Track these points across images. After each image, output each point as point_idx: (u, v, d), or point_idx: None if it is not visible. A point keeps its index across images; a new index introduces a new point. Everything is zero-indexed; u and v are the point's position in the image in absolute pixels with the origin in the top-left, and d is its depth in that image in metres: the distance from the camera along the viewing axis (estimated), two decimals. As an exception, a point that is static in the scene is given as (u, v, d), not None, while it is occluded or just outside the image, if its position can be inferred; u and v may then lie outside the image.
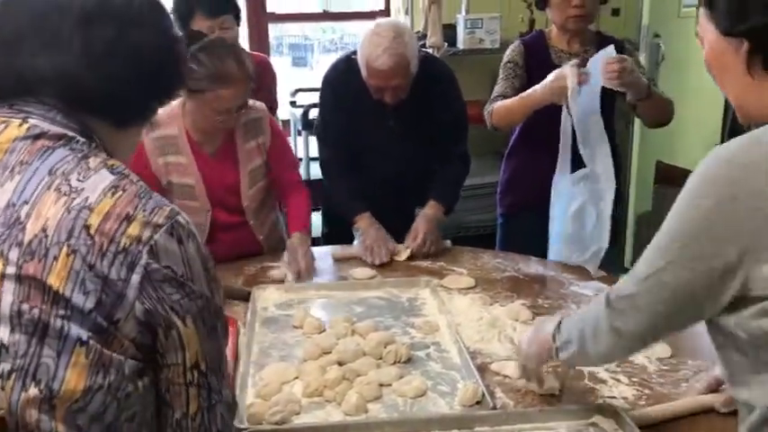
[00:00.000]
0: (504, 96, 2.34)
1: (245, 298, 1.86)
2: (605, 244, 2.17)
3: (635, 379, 1.48)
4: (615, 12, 4.08)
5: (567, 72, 2.08)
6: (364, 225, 2.26)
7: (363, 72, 2.16)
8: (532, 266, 2.13)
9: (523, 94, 2.25)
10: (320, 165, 2.45)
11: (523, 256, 2.21)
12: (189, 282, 0.83)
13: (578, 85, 2.06)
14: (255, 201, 2.17)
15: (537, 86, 2.19)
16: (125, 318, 0.79)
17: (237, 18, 2.55)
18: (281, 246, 2.25)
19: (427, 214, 2.27)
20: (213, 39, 2.00)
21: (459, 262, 2.17)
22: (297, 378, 1.49)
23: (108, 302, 0.79)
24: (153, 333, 0.82)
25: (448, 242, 2.32)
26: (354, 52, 2.22)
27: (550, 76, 2.13)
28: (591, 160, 2.15)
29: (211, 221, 2.11)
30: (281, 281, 2.01)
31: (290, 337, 1.70)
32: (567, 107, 2.11)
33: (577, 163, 2.18)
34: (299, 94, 4.26)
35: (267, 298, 1.90)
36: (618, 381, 1.47)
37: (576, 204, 2.17)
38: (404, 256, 2.20)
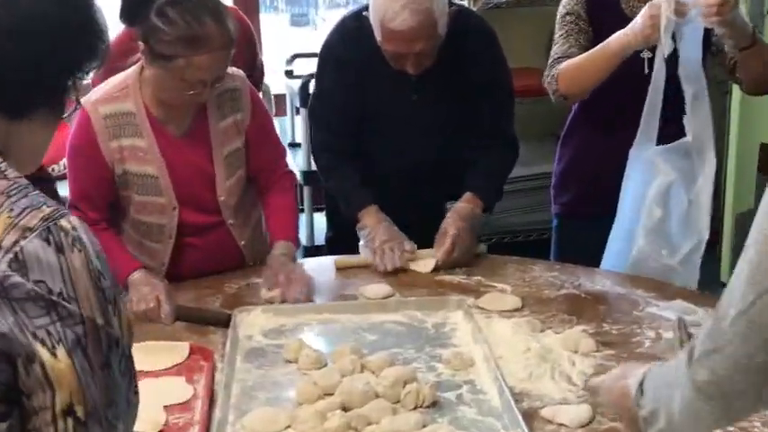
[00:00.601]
0: (569, 57, 2.32)
1: (224, 323, 1.86)
2: (705, 234, 2.15)
3: (731, 428, 1.44)
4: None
5: (660, 2, 2.06)
6: (371, 221, 2.25)
7: (378, 35, 2.15)
8: (597, 281, 2.11)
9: (597, 47, 2.24)
10: (312, 151, 2.45)
11: (586, 269, 2.19)
12: (66, 302, 0.83)
13: (676, 17, 2.04)
14: (234, 195, 2.17)
15: (617, 33, 2.17)
16: None
17: None
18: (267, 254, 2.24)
19: (460, 210, 2.26)
20: None
21: (502, 276, 2.16)
22: (289, 427, 1.48)
23: None
24: (13, 366, 0.82)
25: (483, 246, 2.30)
26: (366, 8, 2.21)
27: (638, 17, 2.12)
28: (689, 126, 2.13)
29: (179, 223, 2.11)
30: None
31: (280, 374, 1.69)
32: (662, 53, 2.08)
33: (662, 137, 2.16)
34: (298, 61, 4.26)
35: (252, 323, 1.89)
36: None
37: (661, 184, 2.15)
38: (428, 266, 2.19)
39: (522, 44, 4.01)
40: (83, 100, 2.01)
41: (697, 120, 2.17)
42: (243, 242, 2.22)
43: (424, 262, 2.20)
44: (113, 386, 0.88)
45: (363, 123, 2.34)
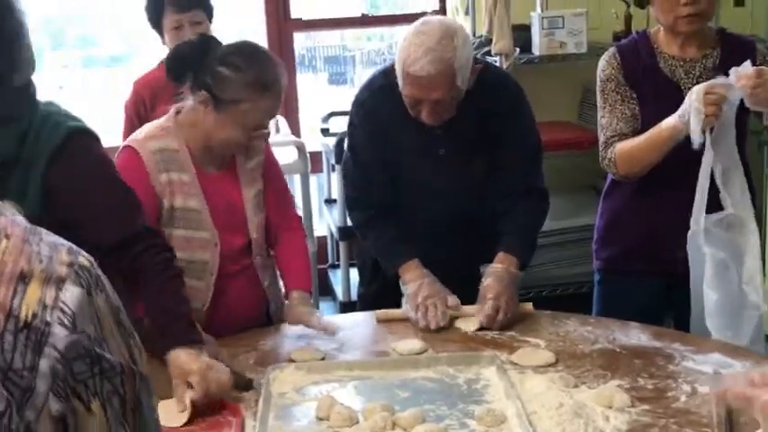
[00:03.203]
0: (620, 135, 2.35)
1: (246, 387, 1.84)
2: (764, 308, 2.15)
3: (770, 486, 1.41)
4: (739, 1, 4.05)
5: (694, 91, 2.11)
6: (413, 276, 2.25)
7: (399, 80, 2.19)
8: (632, 335, 2.09)
9: (650, 132, 2.27)
10: (347, 208, 2.47)
11: (621, 322, 2.17)
12: (100, 349, 0.77)
13: (706, 118, 2.09)
14: (261, 234, 2.22)
15: (668, 120, 2.20)
16: (36, 418, 0.73)
17: (209, 13, 2.98)
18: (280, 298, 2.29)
19: (497, 271, 2.24)
20: (240, 41, 2.12)
21: (536, 330, 2.14)
22: (319, 485, 1.48)
23: (15, 402, 0.72)
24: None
25: (529, 305, 2.28)
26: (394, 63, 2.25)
27: (684, 103, 2.15)
28: (726, 198, 2.16)
29: (219, 260, 2.13)
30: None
31: (312, 432, 1.69)
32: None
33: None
34: (334, 118, 4.32)
35: (285, 380, 1.90)
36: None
37: (711, 266, 2.15)
38: (471, 327, 2.17)
39: (556, 98, 4.04)
40: (128, 141, 2.10)
41: (733, 194, 2.17)
42: (266, 283, 2.25)
43: (470, 321, 2.18)
44: (143, 425, 0.86)
45: (394, 178, 2.36)
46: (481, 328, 2.16)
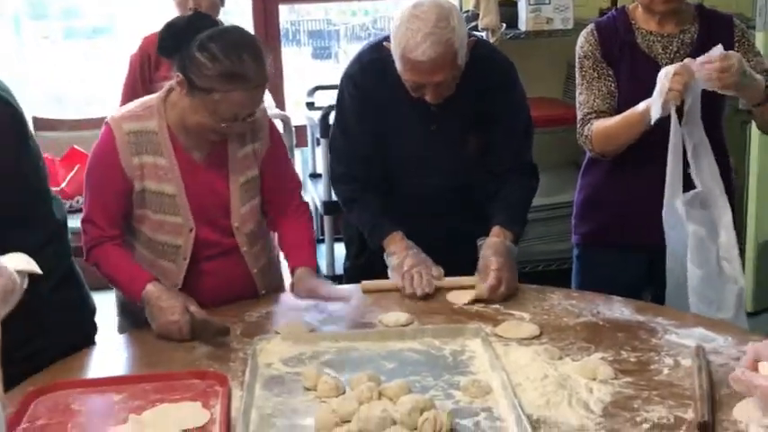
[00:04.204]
0: (597, 112, 2.36)
1: (223, 333, 1.95)
2: (742, 282, 2.18)
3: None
4: (724, -21, 4.05)
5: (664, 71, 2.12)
6: (398, 248, 2.26)
7: (398, 65, 2.17)
8: (616, 309, 2.11)
9: (626, 112, 2.29)
10: (332, 183, 2.47)
11: (604, 296, 2.19)
12: None
13: (666, 104, 2.11)
14: (248, 222, 2.20)
15: (642, 103, 2.21)
16: None
17: None
18: (280, 287, 2.29)
19: (494, 244, 2.24)
20: (228, 27, 2.07)
21: (521, 304, 2.16)
22: (306, 454, 1.49)
23: None
24: None
25: None
26: (386, 38, 2.24)
27: (657, 86, 2.15)
28: (697, 180, 2.19)
29: (194, 245, 2.13)
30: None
31: (299, 402, 1.70)
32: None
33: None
34: (319, 93, 4.31)
35: (272, 351, 1.90)
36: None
37: (692, 243, 2.18)
38: (464, 299, 2.17)
39: (541, 74, 4.04)
40: (108, 116, 2.08)
41: (703, 172, 2.19)
42: (255, 270, 2.24)
43: (460, 294, 2.19)
44: None
45: (383, 153, 2.36)
46: (475, 301, 2.16)
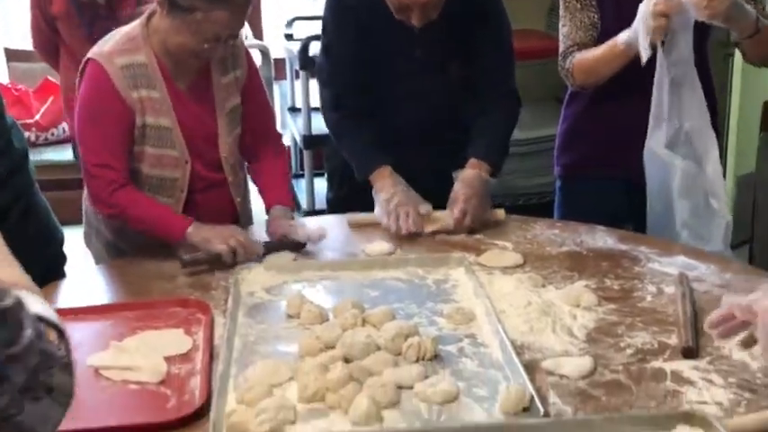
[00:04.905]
0: (579, 45, 2.33)
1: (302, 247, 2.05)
2: (729, 217, 2.18)
3: (732, 379, 1.45)
4: None
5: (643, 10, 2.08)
6: (386, 184, 2.23)
7: None
8: (599, 238, 2.12)
9: (607, 44, 2.25)
10: (322, 111, 2.43)
11: (588, 226, 2.19)
12: None
13: (653, 42, 2.07)
14: (234, 152, 2.18)
15: (623, 33, 2.17)
16: None
17: None
18: (250, 219, 2.29)
19: (467, 176, 2.24)
20: None
21: (504, 234, 2.16)
22: (291, 379, 1.49)
23: None
24: None
25: (501, 212, 2.28)
26: None
27: (636, 18, 2.11)
28: (683, 114, 2.16)
29: (190, 177, 2.11)
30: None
31: (282, 329, 1.70)
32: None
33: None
34: (297, 23, 4.24)
35: (254, 280, 1.90)
36: (710, 382, 1.45)
37: (679, 179, 2.17)
38: (431, 227, 2.17)
39: (524, 5, 3.98)
40: (92, 54, 2.01)
41: (689, 105, 2.17)
42: (239, 199, 2.23)
43: (430, 223, 2.18)
44: None
45: (368, 79, 2.32)
46: (440, 232, 2.16)
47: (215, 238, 1.97)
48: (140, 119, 2.03)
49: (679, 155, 2.19)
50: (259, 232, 2.15)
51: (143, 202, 2.05)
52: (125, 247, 2.16)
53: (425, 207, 2.20)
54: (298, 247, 2.05)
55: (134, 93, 2.01)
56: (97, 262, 2.27)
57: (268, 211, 2.15)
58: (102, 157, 2.02)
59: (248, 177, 2.32)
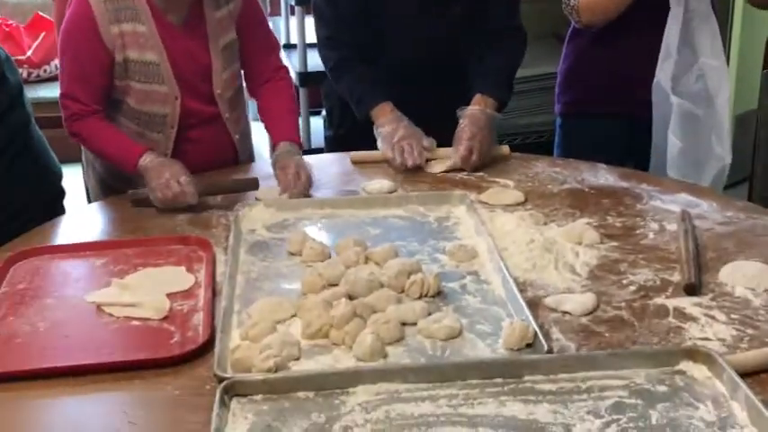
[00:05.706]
0: None
1: (254, 186, 1.99)
2: (728, 159, 2.16)
3: (735, 316, 1.46)
4: None
5: None
6: (388, 119, 2.21)
7: None
8: (601, 176, 2.11)
9: None
10: (318, 49, 2.38)
11: (589, 164, 2.18)
12: None
13: None
14: (230, 88, 2.15)
15: None
16: None
17: None
18: (251, 156, 2.27)
19: (473, 113, 2.21)
20: None
21: (505, 172, 2.15)
22: (294, 316, 1.49)
23: None
24: None
25: (505, 148, 2.27)
26: None
27: None
28: (697, 49, 2.13)
29: (181, 113, 2.08)
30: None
31: (284, 266, 1.69)
32: None
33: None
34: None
35: (255, 218, 1.88)
36: (712, 318, 1.46)
37: (680, 114, 2.14)
38: (438, 168, 2.16)
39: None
40: None
41: (704, 43, 2.14)
42: (237, 136, 2.21)
43: (435, 163, 2.17)
44: None
45: (367, 15, 2.28)
46: (449, 171, 2.15)
47: (155, 179, 1.92)
48: (120, 54, 2.00)
49: (684, 94, 2.17)
50: (267, 169, 2.10)
51: (103, 134, 2.03)
52: (113, 182, 2.15)
53: (429, 141, 2.19)
54: (247, 187, 2.00)
55: (114, 27, 1.98)
56: (94, 198, 2.26)
57: (274, 148, 2.12)
58: (70, 88, 2.03)
59: (248, 114, 2.29)
